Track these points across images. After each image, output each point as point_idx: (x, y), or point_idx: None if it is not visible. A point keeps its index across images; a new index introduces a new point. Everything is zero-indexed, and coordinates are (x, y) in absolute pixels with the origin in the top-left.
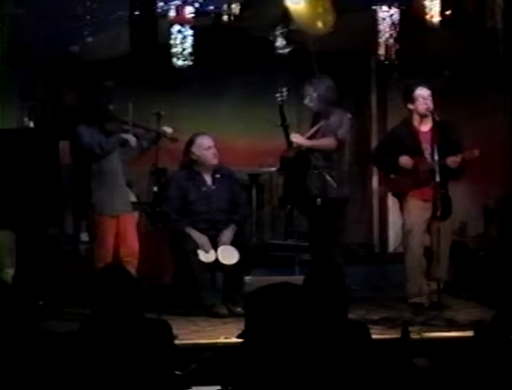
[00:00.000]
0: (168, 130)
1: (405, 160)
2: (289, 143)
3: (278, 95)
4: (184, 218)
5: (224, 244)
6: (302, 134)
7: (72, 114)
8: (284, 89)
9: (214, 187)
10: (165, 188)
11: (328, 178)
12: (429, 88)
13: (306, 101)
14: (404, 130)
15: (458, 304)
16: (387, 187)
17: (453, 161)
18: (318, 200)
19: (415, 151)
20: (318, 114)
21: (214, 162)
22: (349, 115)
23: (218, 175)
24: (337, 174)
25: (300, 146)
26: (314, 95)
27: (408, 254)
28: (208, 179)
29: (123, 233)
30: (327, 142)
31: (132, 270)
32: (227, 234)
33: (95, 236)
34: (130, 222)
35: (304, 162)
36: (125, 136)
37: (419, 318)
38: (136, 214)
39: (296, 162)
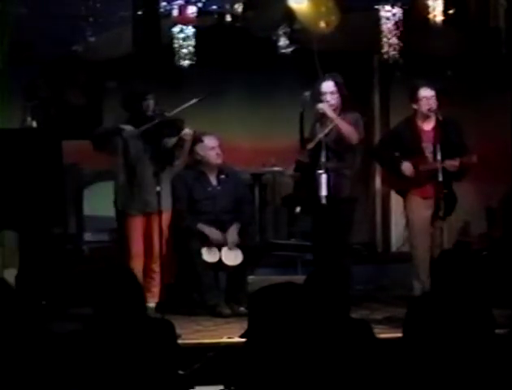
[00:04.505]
0: (188, 131)
1: (407, 167)
2: (303, 145)
3: (303, 98)
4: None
5: (232, 245)
6: (315, 135)
7: (75, 114)
8: (307, 93)
9: (219, 187)
10: (171, 187)
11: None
12: (433, 88)
13: (325, 97)
14: (406, 128)
15: None
16: (388, 184)
17: (450, 164)
18: (324, 199)
19: (416, 149)
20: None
21: (218, 162)
22: (360, 115)
23: (223, 176)
24: (350, 175)
25: (312, 148)
26: (333, 89)
27: (413, 252)
28: (213, 179)
29: (151, 232)
30: (351, 130)
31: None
32: (233, 235)
33: (123, 234)
34: (160, 221)
35: (316, 163)
36: (122, 126)
37: None
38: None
39: (310, 164)
